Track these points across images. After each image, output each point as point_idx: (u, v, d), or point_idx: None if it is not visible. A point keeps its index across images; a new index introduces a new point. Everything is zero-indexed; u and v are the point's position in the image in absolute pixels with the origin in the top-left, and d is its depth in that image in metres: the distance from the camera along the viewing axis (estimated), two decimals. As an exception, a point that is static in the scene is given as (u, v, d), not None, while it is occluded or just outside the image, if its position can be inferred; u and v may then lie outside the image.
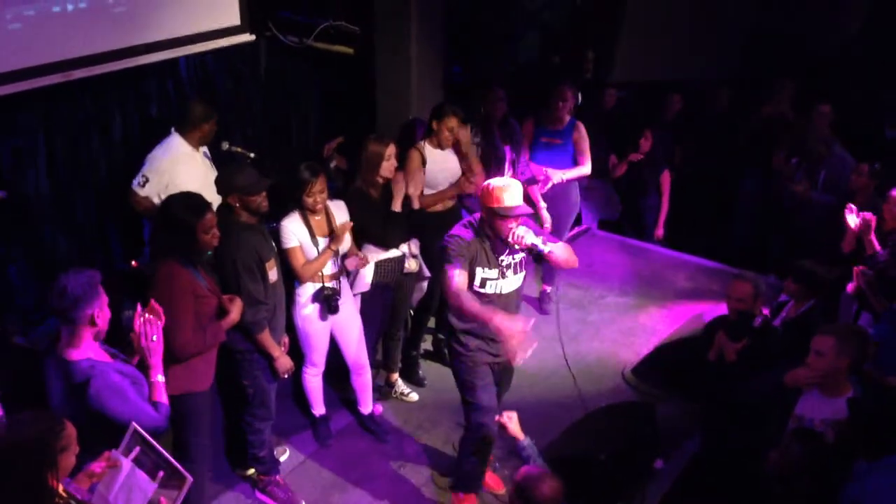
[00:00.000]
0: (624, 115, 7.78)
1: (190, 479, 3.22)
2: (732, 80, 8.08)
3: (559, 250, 4.11)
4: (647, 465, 4.92)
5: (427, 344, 6.05)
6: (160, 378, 3.47)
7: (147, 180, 4.97)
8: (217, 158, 5.37)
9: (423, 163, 5.30)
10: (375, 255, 5.01)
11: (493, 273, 4.16)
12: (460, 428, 5.29)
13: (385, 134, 5.19)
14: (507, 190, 4.02)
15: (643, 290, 6.91)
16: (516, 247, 4.08)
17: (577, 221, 7.28)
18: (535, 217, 6.06)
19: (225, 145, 5.50)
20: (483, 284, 4.17)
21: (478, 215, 4.19)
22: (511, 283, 4.25)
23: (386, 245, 5.01)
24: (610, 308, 6.63)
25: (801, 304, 5.02)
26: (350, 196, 4.94)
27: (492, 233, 4.11)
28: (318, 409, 5.19)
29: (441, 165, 5.37)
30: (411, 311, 5.67)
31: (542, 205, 6.06)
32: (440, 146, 5.32)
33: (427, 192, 5.35)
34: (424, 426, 5.39)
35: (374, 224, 4.92)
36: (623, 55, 8.32)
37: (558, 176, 6.03)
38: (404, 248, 5.08)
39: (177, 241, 3.86)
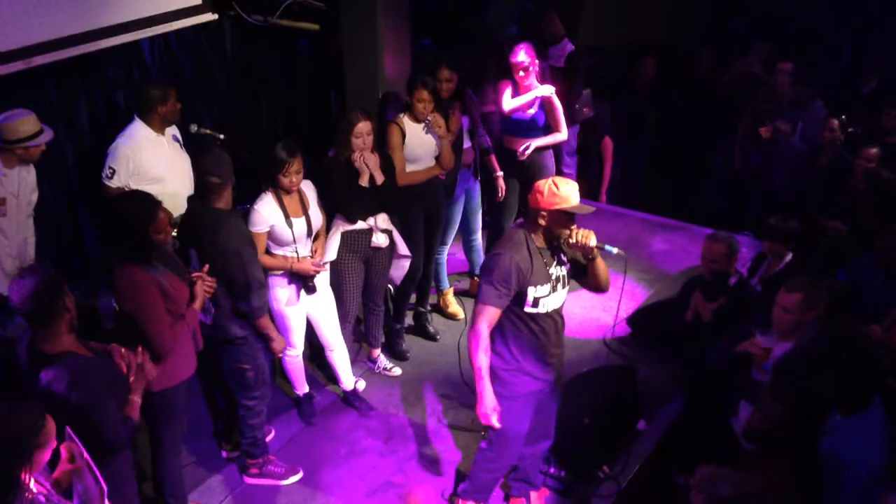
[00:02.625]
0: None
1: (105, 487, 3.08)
2: (704, 42, 8.10)
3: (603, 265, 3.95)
4: (629, 427, 4.99)
5: (408, 318, 6.05)
6: (137, 398, 3.48)
7: (114, 171, 4.90)
8: (186, 141, 5.31)
9: (403, 136, 5.29)
10: (343, 226, 4.99)
11: (546, 289, 3.87)
12: (445, 400, 5.37)
13: (362, 108, 5.14)
14: (571, 187, 3.80)
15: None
16: (569, 253, 3.90)
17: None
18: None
19: (193, 128, 5.43)
20: (536, 304, 3.87)
21: (522, 222, 3.97)
22: (560, 297, 3.98)
23: (348, 218, 4.98)
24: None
25: (778, 261, 5.08)
26: (326, 165, 4.94)
27: (549, 239, 3.87)
28: (301, 388, 5.20)
29: (420, 138, 5.35)
30: (391, 287, 5.67)
31: (499, 173, 6.08)
32: (417, 119, 5.31)
33: (409, 166, 5.34)
34: (409, 399, 5.42)
35: (341, 196, 4.90)
36: (590, 17, 8.27)
37: (533, 143, 6.03)
38: (371, 221, 5.06)
39: (130, 246, 3.76)
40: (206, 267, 4.08)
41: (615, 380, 5.04)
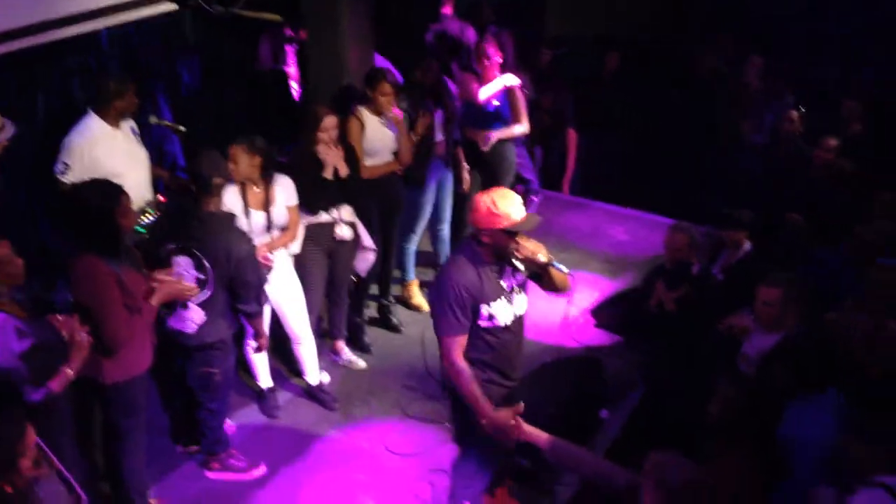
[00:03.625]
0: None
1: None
2: (669, 36, 8.17)
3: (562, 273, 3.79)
4: (593, 416, 5.02)
5: (372, 310, 6.03)
6: (69, 371, 3.42)
7: (68, 167, 4.79)
8: (147, 133, 5.25)
9: (363, 129, 5.28)
10: (307, 219, 4.96)
11: (501, 303, 3.73)
12: (409, 391, 5.36)
13: (324, 102, 5.12)
14: (511, 201, 3.60)
15: (583, 245, 6.98)
16: (520, 267, 3.75)
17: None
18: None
19: (153, 119, 5.38)
20: (491, 318, 3.73)
21: (471, 243, 3.73)
22: (518, 305, 3.83)
23: (309, 210, 4.95)
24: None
25: (736, 250, 5.14)
26: (293, 156, 4.91)
27: (496, 256, 3.69)
28: (264, 380, 5.16)
29: (380, 132, 5.34)
30: (353, 279, 5.65)
31: (465, 166, 6.06)
32: (378, 112, 5.28)
33: (367, 160, 5.31)
34: (374, 392, 5.40)
35: (303, 188, 4.86)
36: (556, 9, 8.31)
37: (495, 135, 6.03)
38: (335, 213, 5.03)
39: (96, 233, 3.70)
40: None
41: (579, 370, 5.07)
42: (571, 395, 4.83)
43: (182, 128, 5.42)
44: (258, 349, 4.70)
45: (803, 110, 6.37)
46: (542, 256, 3.68)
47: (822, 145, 6.06)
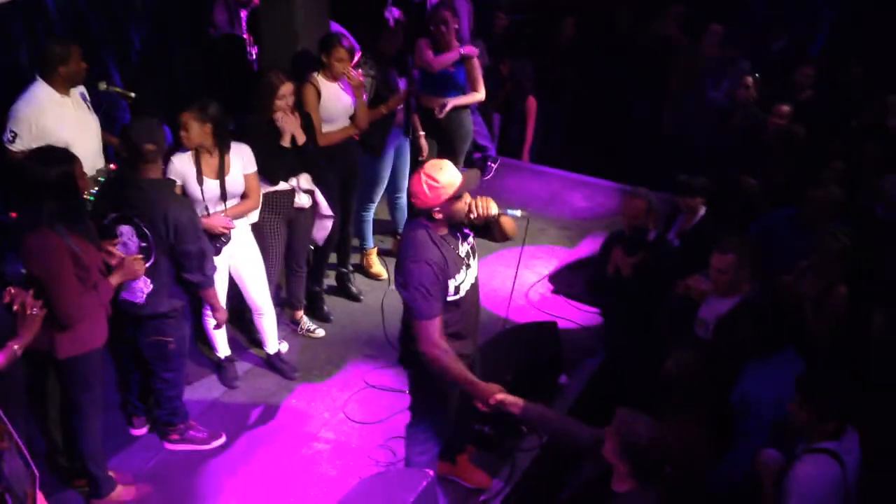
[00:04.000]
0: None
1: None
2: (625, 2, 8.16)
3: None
4: (552, 382, 5.07)
5: (330, 279, 6.01)
6: (15, 347, 3.33)
7: (16, 135, 4.66)
8: (97, 100, 5.12)
9: (319, 96, 5.21)
10: (265, 188, 4.90)
11: (462, 274, 3.73)
12: (369, 360, 5.36)
13: (277, 68, 5.03)
14: (448, 170, 3.57)
15: (543, 212, 7.01)
16: (471, 224, 3.75)
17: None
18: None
19: (102, 86, 5.24)
20: (457, 290, 3.72)
21: (423, 221, 3.68)
22: (474, 271, 3.85)
23: (269, 179, 4.89)
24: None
25: (692, 215, 5.20)
26: (247, 127, 4.83)
27: (451, 225, 3.70)
28: (223, 350, 5.12)
29: (336, 98, 5.29)
30: (312, 248, 5.61)
31: (421, 133, 6.03)
32: (333, 78, 5.22)
33: (324, 126, 5.25)
34: (333, 361, 5.39)
35: (261, 156, 4.79)
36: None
37: (451, 102, 6.00)
38: (293, 182, 4.98)
39: (57, 199, 3.60)
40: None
41: (537, 336, 5.11)
42: (529, 361, 4.88)
43: (132, 94, 5.30)
44: (217, 325, 4.63)
45: (758, 76, 6.43)
46: (494, 209, 3.73)
47: (775, 112, 6.14)
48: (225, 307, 4.90)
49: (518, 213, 3.83)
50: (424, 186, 3.54)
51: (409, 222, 3.85)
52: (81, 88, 4.97)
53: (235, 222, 4.70)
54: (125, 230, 4.09)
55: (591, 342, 5.48)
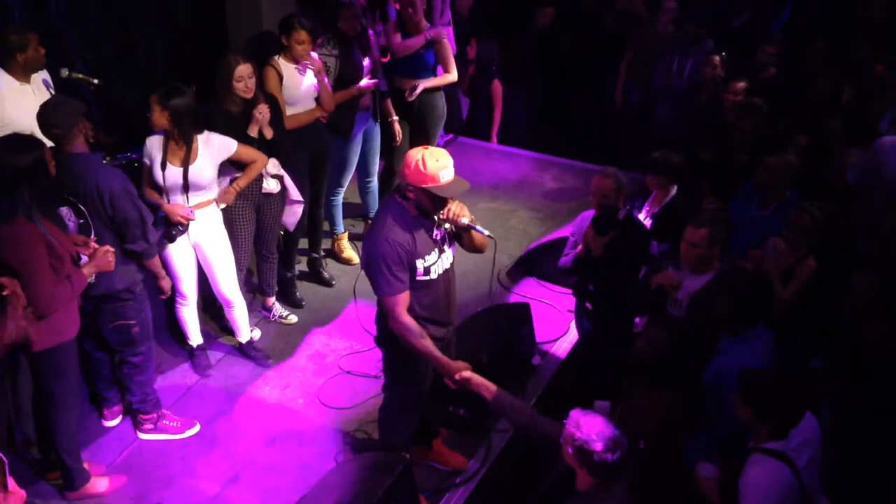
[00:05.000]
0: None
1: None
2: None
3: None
4: (525, 363, 5.10)
5: (302, 265, 5.98)
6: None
7: None
8: (60, 86, 5.02)
9: (281, 79, 5.15)
10: (232, 173, 4.84)
11: (434, 256, 3.74)
12: (343, 345, 5.35)
13: (242, 50, 4.96)
14: (442, 163, 3.54)
15: (513, 194, 7.02)
16: (447, 226, 3.78)
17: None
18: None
19: (64, 72, 5.14)
20: (427, 272, 3.73)
21: (396, 198, 3.70)
22: (448, 256, 3.86)
23: (236, 165, 4.81)
24: (482, 214, 6.68)
25: (664, 194, 5.22)
26: (212, 112, 4.77)
27: (420, 211, 3.67)
28: (195, 339, 5.08)
29: (298, 80, 5.23)
30: (282, 233, 5.57)
31: (395, 118, 5.98)
32: (295, 61, 5.17)
33: (288, 109, 5.21)
34: (306, 347, 5.37)
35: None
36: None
37: (422, 84, 5.96)
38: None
39: (31, 187, 3.56)
40: (93, 237, 3.93)
41: (510, 318, 5.12)
42: (503, 343, 4.89)
43: (96, 81, 5.20)
44: (162, 293, 4.53)
45: (725, 55, 6.45)
46: (465, 219, 3.70)
47: (731, 89, 6.13)
48: (196, 294, 4.89)
49: (486, 231, 3.80)
50: (414, 162, 3.55)
51: (385, 198, 3.87)
52: (44, 74, 4.89)
53: (206, 210, 4.65)
54: (64, 212, 4.03)
55: (562, 322, 5.51)
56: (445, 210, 3.67)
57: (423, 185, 3.55)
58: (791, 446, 3.33)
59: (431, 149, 3.64)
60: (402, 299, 3.68)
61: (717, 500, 3.66)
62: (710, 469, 3.69)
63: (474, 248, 3.94)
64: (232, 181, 4.79)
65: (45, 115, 3.95)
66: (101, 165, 4.08)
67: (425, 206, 3.64)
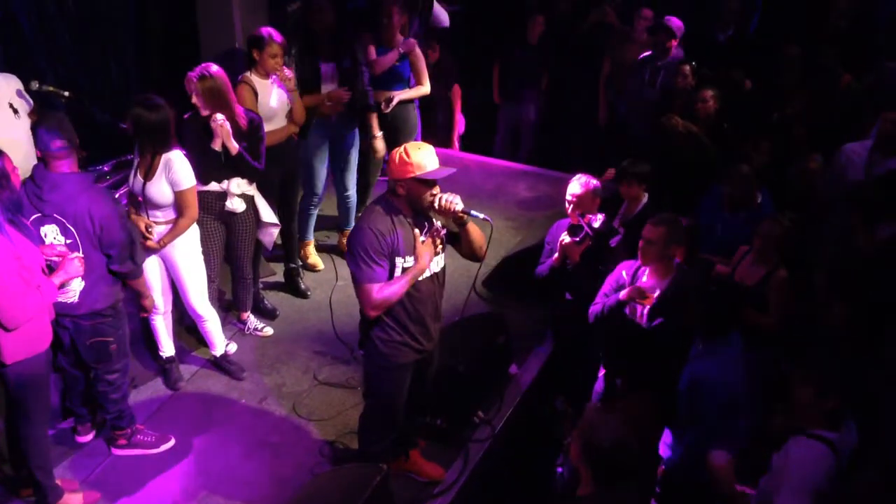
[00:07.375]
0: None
1: None
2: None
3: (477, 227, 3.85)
4: (502, 372, 5.11)
5: (278, 276, 5.95)
6: None
7: None
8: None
9: (256, 95, 5.13)
10: (198, 186, 4.71)
11: (413, 259, 3.77)
12: (319, 357, 5.33)
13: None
14: (424, 152, 3.65)
15: (488, 204, 7.02)
16: (438, 221, 3.82)
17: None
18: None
19: (35, 85, 5.09)
20: (405, 272, 3.76)
21: (387, 196, 3.77)
22: (439, 260, 3.89)
23: (200, 179, 4.70)
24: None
25: (636, 203, 5.27)
26: (187, 123, 4.75)
27: (413, 208, 3.74)
28: (167, 350, 5.05)
29: (273, 95, 5.21)
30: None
31: (378, 134, 5.92)
32: (266, 75, 5.15)
33: (265, 125, 5.17)
34: (282, 358, 5.35)
35: (193, 154, 4.64)
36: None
37: (397, 96, 5.97)
38: (224, 185, 4.88)
39: None
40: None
41: (486, 327, 5.13)
42: (480, 352, 4.90)
43: (66, 93, 5.16)
44: (145, 311, 4.56)
45: (695, 65, 6.51)
46: (459, 205, 3.73)
47: (699, 97, 6.16)
48: (166, 304, 4.86)
49: (481, 215, 3.85)
50: (397, 157, 3.65)
51: (377, 197, 3.92)
52: (18, 85, 4.83)
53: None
54: (48, 230, 4.00)
55: (537, 330, 5.52)
56: (438, 200, 3.70)
57: (410, 175, 3.62)
58: (842, 439, 3.25)
59: (413, 142, 3.74)
60: (379, 290, 3.71)
61: (732, 488, 3.65)
62: (723, 456, 3.67)
63: (472, 252, 3.97)
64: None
65: (49, 129, 3.89)
66: (89, 186, 4.05)
67: (416, 197, 3.67)
